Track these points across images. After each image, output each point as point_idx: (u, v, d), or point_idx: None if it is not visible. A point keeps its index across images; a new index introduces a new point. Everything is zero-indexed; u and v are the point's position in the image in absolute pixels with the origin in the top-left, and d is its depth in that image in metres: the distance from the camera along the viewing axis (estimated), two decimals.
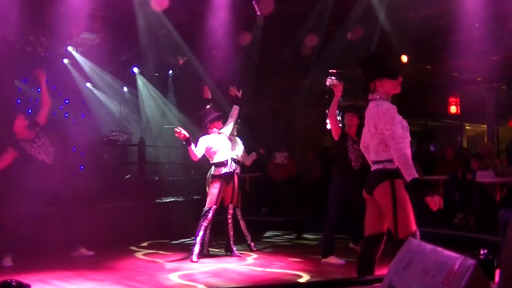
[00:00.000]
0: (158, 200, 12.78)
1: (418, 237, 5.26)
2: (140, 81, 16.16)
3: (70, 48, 14.16)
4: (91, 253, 9.47)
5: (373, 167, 5.41)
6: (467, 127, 24.54)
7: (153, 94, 16.22)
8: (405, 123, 5.31)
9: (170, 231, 11.66)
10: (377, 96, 5.37)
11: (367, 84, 5.44)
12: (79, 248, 9.45)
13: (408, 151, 5.26)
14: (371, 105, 5.40)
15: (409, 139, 5.32)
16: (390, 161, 5.22)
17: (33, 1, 11.31)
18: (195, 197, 12.98)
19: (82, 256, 9.39)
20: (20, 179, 8.90)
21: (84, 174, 12.18)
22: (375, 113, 5.28)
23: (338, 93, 8.63)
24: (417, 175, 5.04)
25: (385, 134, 5.18)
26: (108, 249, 9.85)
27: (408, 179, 5.04)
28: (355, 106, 9.13)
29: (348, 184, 8.74)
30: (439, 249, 1.86)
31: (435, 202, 5.06)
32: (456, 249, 1.81)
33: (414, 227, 5.24)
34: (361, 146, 5.77)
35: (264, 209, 14.69)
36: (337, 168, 9.36)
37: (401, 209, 5.18)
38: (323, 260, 8.83)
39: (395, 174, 5.22)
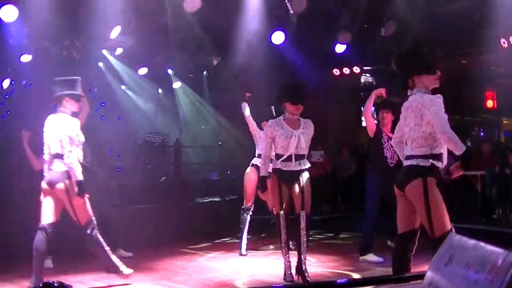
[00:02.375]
0: (195, 201, 12.83)
1: None
2: (175, 82, 16.24)
3: (104, 51, 14.28)
4: (130, 254, 9.54)
5: (406, 163, 5.38)
6: (504, 122, 24.23)
7: (189, 95, 16.30)
8: None
9: (207, 231, 11.69)
10: (419, 90, 5.35)
11: (406, 81, 5.42)
12: (118, 249, 9.53)
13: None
14: (413, 98, 5.37)
15: None
16: (424, 157, 5.19)
17: (67, 5, 11.42)
18: (232, 197, 13.01)
19: (121, 257, 9.45)
20: None
21: (121, 175, 12.28)
22: (421, 103, 5.25)
23: (376, 93, 8.59)
24: (465, 147, 5.06)
25: (431, 120, 5.13)
26: (147, 250, 9.92)
27: (459, 153, 5.04)
28: (389, 102, 9.05)
29: (385, 181, 8.64)
30: (481, 244, 1.85)
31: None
32: (496, 245, 1.79)
33: (449, 224, 5.18)
34: (393, 141, 5.74)
35: None
36: (372, 165, 9.27)
37: (435, 207, 5.14)
38: (361, 258, 8.79)
39: (428, 171, 5.18)
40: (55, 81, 7.66)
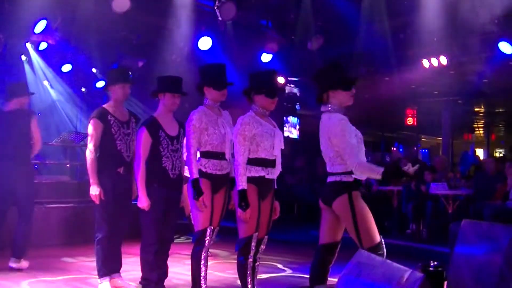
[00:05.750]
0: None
1: (383, 247, 5.22)
2: (99, 81, 16.01)
3: (28, 45, 13.97)
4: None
5: (329, 179, 5.39)
6: (423, 139, 24.85)
7: None
8: (359, 134, 5.35)
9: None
10: (329, 108, 5.38)
11: (321, 95, 5.45)
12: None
13: (363, 160, 5.30)
14: (324, 117, 5.41)
15: (363, 149, 5.36)
16: (347, 173, 5.22)
17: None
18: None
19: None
20: None
21: (39, 173, 12.00)
22: (328, 125, 5.29)
23: None
24: (383, 168, 5.09)
25: (340, 147, 5.20)
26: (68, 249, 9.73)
27: (379, 177, 5.10)
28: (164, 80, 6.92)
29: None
30: (389, 261, 1.89)
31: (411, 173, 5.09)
32: (408, 260, 1.84)
33: (377, 237, 5.19)
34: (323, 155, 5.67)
35: None
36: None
37: (362, 220, 5.16)
38: None
39: (352, 186, 5.23)
40: None
